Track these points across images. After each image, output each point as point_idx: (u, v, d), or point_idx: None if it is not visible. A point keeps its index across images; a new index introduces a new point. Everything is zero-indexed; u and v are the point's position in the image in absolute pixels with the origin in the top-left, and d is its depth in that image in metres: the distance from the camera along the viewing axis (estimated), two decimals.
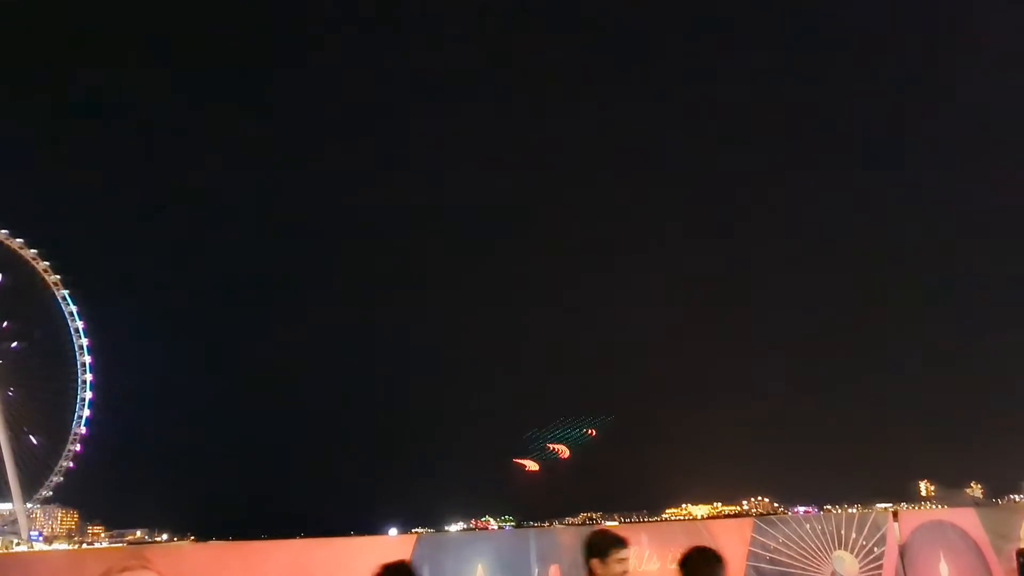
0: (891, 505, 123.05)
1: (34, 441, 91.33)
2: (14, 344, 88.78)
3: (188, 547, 11.47)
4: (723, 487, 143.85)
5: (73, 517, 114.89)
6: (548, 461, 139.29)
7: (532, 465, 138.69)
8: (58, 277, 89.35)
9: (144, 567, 7.06)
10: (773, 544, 10.12)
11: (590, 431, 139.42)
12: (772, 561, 10.03)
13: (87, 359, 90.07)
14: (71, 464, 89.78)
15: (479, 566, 8.42)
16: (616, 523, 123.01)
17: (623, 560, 5.66)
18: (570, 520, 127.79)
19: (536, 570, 8.70)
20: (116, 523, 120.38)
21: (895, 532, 11.11)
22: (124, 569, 7.00)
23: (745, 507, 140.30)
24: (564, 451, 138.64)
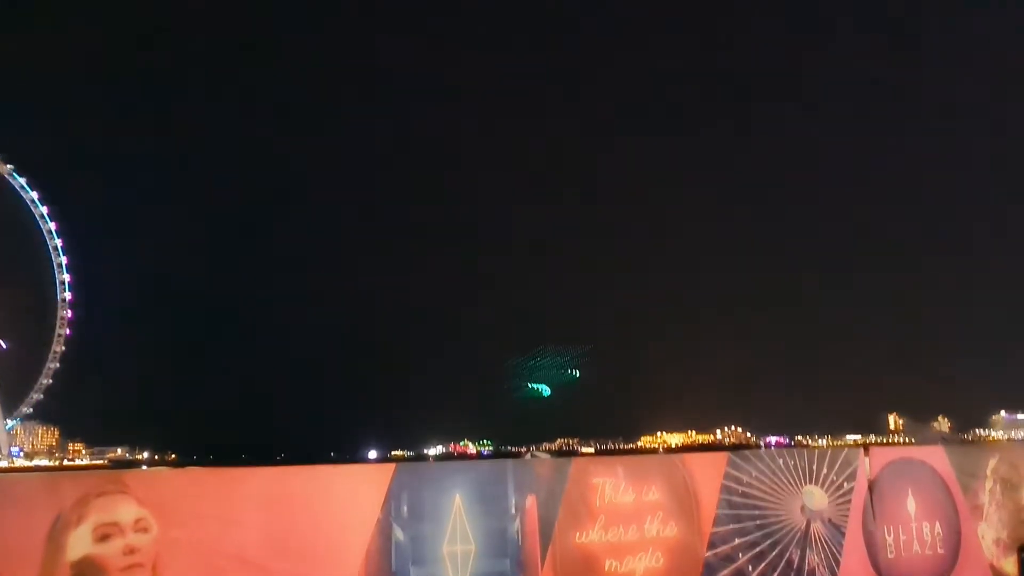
0: (860, 437, 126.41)
1: (13, 358, 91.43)
2: None
3: (165, 472, 11.49)
4: (697, 417, 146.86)
5: (54, 434, 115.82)
6: (534, 389, 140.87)
7: (520, 391, 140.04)
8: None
9: (121, 491, 7.03)
10: (746, 478, 10.26)
11: (575, 359, 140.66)
12: (744, 495, 10.18)
13: (66, 277, 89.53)
14: (51, 381, 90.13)
15: (457, 496, 8.49)
16: (592, 450, 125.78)
17: None
18: (547, 445, 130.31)
19: (513, 500, 8.79)
20: (97, 440, 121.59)
21: (866, 467, 11.26)
22: (101, 493, 6.97)
23: (719, 436, 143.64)
24: (549, 379, 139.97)
